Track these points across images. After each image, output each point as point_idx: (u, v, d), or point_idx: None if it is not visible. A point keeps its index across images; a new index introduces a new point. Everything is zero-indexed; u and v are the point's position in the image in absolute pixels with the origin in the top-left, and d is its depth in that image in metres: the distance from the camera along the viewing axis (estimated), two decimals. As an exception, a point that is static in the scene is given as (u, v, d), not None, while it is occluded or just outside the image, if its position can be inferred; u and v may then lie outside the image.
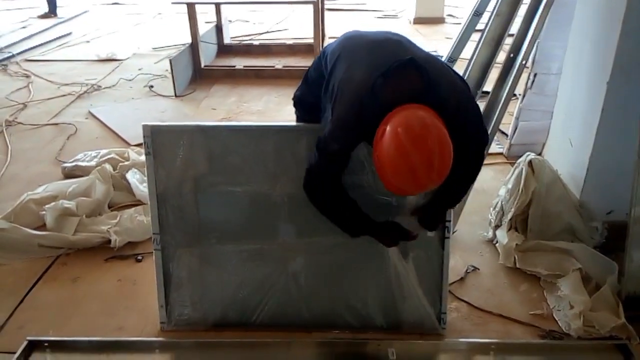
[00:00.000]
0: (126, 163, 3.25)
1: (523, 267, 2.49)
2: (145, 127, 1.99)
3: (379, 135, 1.56)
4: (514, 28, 2.62)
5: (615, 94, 2.38)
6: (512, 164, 3.00)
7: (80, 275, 2.55)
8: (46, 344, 2.07)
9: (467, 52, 2.83)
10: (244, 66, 5.46)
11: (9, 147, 3.82)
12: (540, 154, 3.03)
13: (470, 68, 2.71)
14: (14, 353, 2.00)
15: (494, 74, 2.66)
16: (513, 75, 2.49)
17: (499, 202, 2.76)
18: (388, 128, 1.52)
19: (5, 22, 7.88)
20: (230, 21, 6.60)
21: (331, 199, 1.83)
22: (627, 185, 2.24)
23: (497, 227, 2.73)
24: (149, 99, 4.86)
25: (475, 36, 2.82)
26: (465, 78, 2.40)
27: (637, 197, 2.19)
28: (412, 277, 2.11)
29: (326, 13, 6.32)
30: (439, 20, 7.71)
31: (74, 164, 3.41)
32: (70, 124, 4.24)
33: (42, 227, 2.78)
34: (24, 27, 7.52)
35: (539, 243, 2.55)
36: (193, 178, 2.04)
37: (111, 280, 2.52)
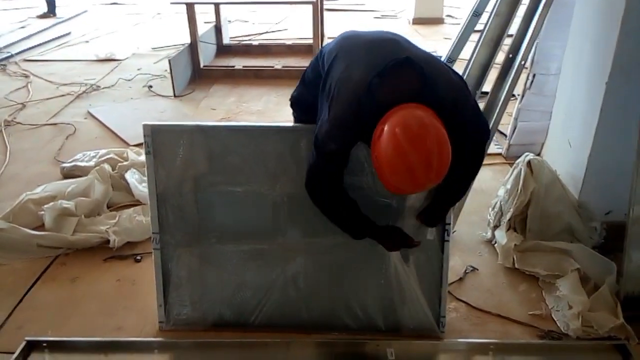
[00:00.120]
0: (125, 163, 3.25)
1: (522, 268, 2.50)
2: (145, 126, 1.99)
3: (376, 135, 1.55)
4: (513, 28, 2.63)
5: (615, 94, 2.39)
6: (511, 165, 3.00)
7: (79, 275, 2.55)
8: (45, 344, 2.07)
9: (466, 52, 2.83)
10: (243, 66, 5.46)
11: (8, 147, 3.82)
12: (539, 155, 3.03)
13: (469, 68, 2.71)
14: (13, 353, 2.00)
15: (493, 75, 2.67)
16: (512, 75, 2.49)
17: (498, 203, 2.77)
18: (386, 128, 1.52)
19: (4, 22, 7.87)
20: (229, 21, 6.60)
21: (330, 198, 1.83)
22: (626, 185, 2.24)
23: (496, 227, 2.73)
24: (148, 99, 4.86)
25: (475, 36, 2.82)
26: (464, 78, 2.40)
27: (636, 197, 2.19)
28: (411, 280, 2.11)
29: (325, 13, 6.31)
30: (438, 21, 7.71)
31: (72, 164, 3.40)
32: (69, 124, 4.23)
33: (41, 227, 2.78)
34: (23, 27, 7.51)
35: (538, 243, 2.55)
36: (193, 178, 2.04)
37: (110, 280, 2.52)
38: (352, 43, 1.84)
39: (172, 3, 5.62)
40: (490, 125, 2.50)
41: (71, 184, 3.04)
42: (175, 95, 4.84)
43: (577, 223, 2.59)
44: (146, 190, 2.07)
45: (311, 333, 2.16)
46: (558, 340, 2.15)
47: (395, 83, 1.61)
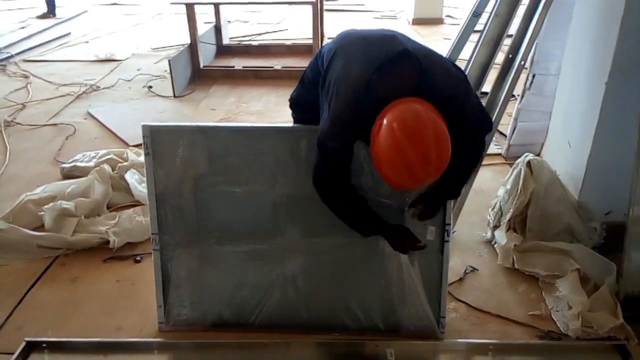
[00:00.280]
0: (125, 163, 3.25)
1: (521, 268, 2.50)
2: (144, 127, 1.99)
3: (375, 130, 1.55)
4: (513, 28, 2.63)
5: (614, 94, 2.39)
6: (510, 165, 3.00)
7: (79, 275, 2.55)
8: (44, 345, 2.07)
9: (466, 52, 2.84)
10: (243, 67, 5.46)
11: (8, 148, 3.82)
12: (538, 155, 3.03)
13: (469, 68, 2.71)
14: (13, 354, 2.00)
15: (492, 75, 2.67)
16: (512, 75, 2.49)
17: (498, 203, 2.77)
18: (384, 122, 1.51)
19: (4, 22, 7.86)
20: (229, 22, 6.60)
21: (337, 196, 1.82)
22: (625, 185, 2.24)
23: (495, 227, 2.73)
24: (148, 100, 4.86)
25: (474, 37, 2.82)
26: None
27: (636, 197, 2.19)
28: (411, 280, 2.11)
29: (325, 14, 6.31)
30: (438, 21, 7.71)
31: (72, 164, 3.40)
32: (69, 124, 4.24)
33: (41, 227, 2.77)
34: (22, 28, 7.51)
35: (538, 244, 2.55)
36: (192, 178, 2.04)
37: (110, 280, 2.52)
38: (350, 41, 1.84)
39: (172, 3, 5.62)
40: (490, 125, 2.51)
41: (71, 185, 3.04)
42: (175, 96, 4.84)
43: (576, 223, 2.59)
44: (146, 190, 2.07)
45: (311, 333, 2.15)
46: (558, 340, 2.15)
47: (393, 78, 1.60)
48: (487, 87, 2.69)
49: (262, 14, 8.16)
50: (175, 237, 2.10)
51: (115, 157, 3.34)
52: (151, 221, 2.07)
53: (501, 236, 2.63)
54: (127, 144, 3.84)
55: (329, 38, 5.87)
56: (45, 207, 2.80)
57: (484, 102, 2.61)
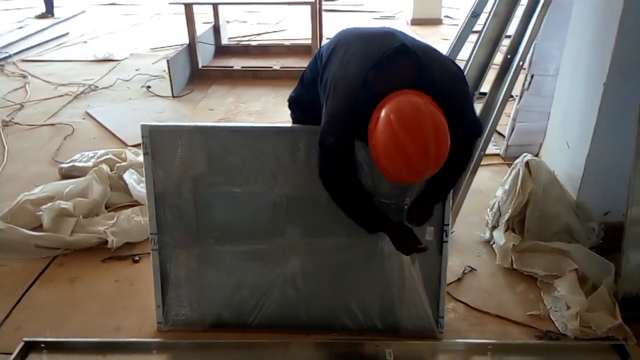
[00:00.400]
0: (123, 164, 3.24)
1: (520, 268, 2.50)
2: (143, 127, 1.99)
3: (372, 124, 1.54)
4: (512, 29, 2.63)
5: (613, 95, 2.39)
6: (509, 165, 3.00)
7: (78, 275, 2.54)
8: (43, 345, 2.07)
9: (465, 53, 2.84)
10: (242, 67, 5.45)
11: (6, 148, 3.82)
12: (537, 155, 3.03)
13: (467, 69, 2.72)
14: (11, 354, 2.00)
15: (491, 75, 2.67)
16: (510, 76, 2.49)
17: (496, 203, 2.77)
18: (381, 114, 1.50)
19: (3, 22, 7.85)
20: (228, 22, 6.59)
21: (342, 192, 1.82)
22: (624, 186, 2.24)
23: (494, 227, 2.73)
24: (147, 100, 4.86)
25: (473, 37, 2.83)
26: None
27: (634, 197, 2.19)
28: (411, 280, 2.11)
29: (324, 14, 6.31)
30: (437, 22, 7.71)
31: (71, 164, 3.40)
32: (67, 124, 4.23)
33: (39, 227, 2.77)
34: (21, 27, 7.50)
35: (536, 244, 2.55)
36: (191, 178, 2.04)
37: (108, 280, 2.52)
38: (349, 39, 1.83)
39: (170, 3, 5.62)
40: (489, 126, 2.51)
41: (69, 185, 3.04)
42: (173, 96, 4.84)
43: (575, 223, 2.59)
44: (144, 190, 2.07)
45: (310, 333, 2.16)
46: (556, 340, 2.15)
47: (390, 72, 1.59)
48: (485, 87, 2.69)
49: (261, 14, 8.15)
50: (174, 237, 2.09)
51: (114, 157, 3.34)
52: (150, 221, 2.07)
53: (500, 236, 2.63)
54: (125, 144, 3.83)
55: (327, 38, 5.85)
56: (44, 207, 2.80)
57: (482, 102, 2.62)
